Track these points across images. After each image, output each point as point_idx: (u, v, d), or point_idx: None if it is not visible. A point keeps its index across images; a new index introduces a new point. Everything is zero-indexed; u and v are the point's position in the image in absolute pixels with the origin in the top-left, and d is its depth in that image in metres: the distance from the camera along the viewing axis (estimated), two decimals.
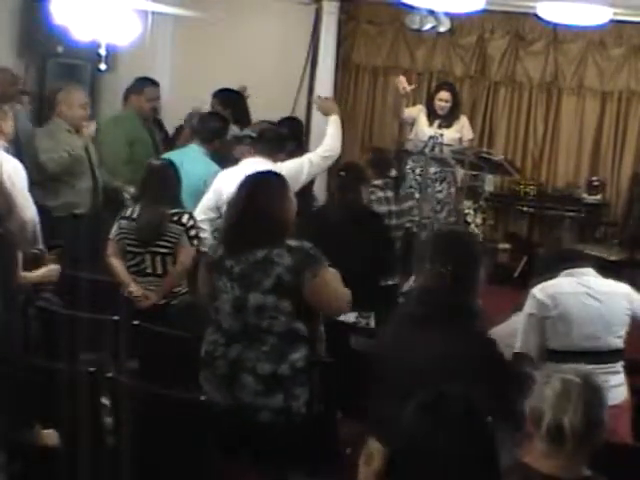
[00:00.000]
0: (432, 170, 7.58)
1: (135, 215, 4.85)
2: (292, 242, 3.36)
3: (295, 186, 4.32)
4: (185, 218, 4.80)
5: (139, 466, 3.27)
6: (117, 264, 4.87)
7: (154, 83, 6.75)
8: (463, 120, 7.81)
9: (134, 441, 3.29)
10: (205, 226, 5.07)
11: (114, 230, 4.91)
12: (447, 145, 7.51)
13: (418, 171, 7.61)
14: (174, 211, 4.80)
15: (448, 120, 7.63)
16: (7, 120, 5.09)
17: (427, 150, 7.58)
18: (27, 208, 4.92)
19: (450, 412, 2.12)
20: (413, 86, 7.74)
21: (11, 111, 5.19)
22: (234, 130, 6.75)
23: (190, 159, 5.54)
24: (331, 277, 3.42)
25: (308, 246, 3.36)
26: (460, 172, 7.59)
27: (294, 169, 4.97)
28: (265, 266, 3.32)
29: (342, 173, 5.53)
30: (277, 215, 3.40)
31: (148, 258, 4.83)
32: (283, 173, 3.83)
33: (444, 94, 7.67)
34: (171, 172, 4.96)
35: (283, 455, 3.37)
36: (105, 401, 3.49)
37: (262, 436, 3.33)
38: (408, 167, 7.65)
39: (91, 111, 6.29)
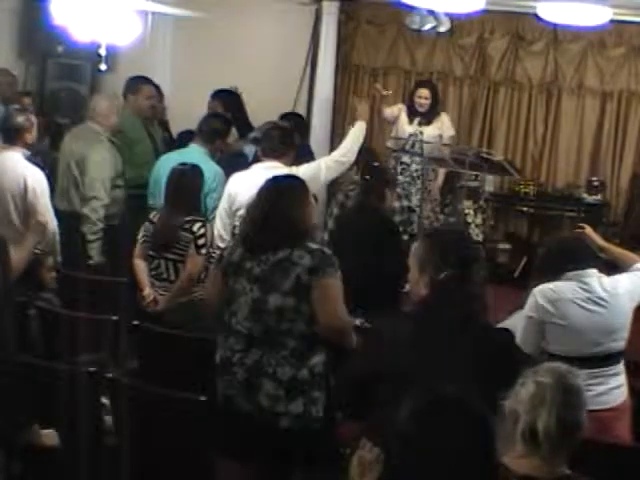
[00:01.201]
0: (413, 167, 7.66)
1: (156, 220, 4.87)
2: (313, 245, 3.39)
3: (313, 190, 4.32)
4: (196, 227, 4.79)
5: (139, 466, 3.28)
6: (139, 266, 4.91)
7: (148, 81, 6.74)
8: (443, 117, 7.91)
9: (134, 441, 3.29)
10: (224, 233, 4.98)
11: (141, 232, 4.96)
12: (427, 142, 7.59)
13: (399, 169, 7.74)
14: (188, 219, 4.80)
15: (428, 118, 7.74)
16: (32, 131, 5.12)
17: (407, 147, 7.69)
18: (49, 219, 4.96)
19: (445, 414, 2.11)
20: (390, 91, 7.95)
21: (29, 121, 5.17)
22: (233, 132, 6.75)
23: (191, 159, 5.53)
24: (339, 286, 3.41)
25: (328, 251, 3.40)
26: (441, 170, 7.67)
27: (310, 174, 4.86)
28: (285, 267, 3.32)
29: (367, 177, 5.52)
30: (299, 219, 3.43)
31: (162, 264, 4.86)
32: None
33: (423, 91, 7.79)
34: (192, 178, 4.96)
35: (301, 459, 3.38)
36: (105, 401, 3.49)
37: (283, 441, 3.33)
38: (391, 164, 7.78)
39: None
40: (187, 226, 4.79)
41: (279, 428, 3.32)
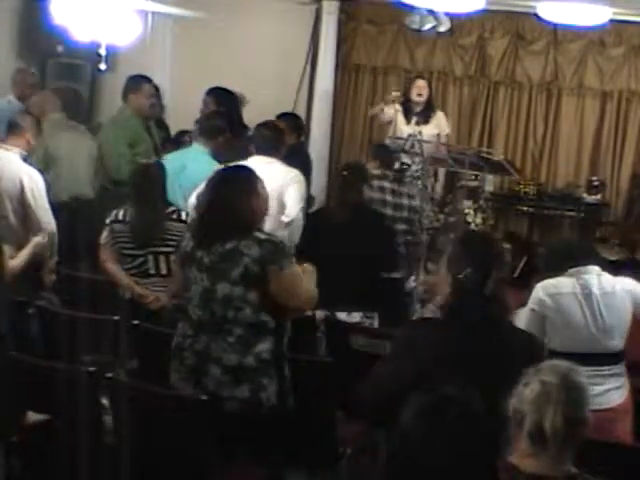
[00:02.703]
0: (414, 168, 7.67)
1: (128, 217, 4.81)
2: (262, 235, 3.43)
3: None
4: (183, 215, 4.78)
5: (139, 466, 3.27)
6: (114, 269, 4.81)
7: (148, 80, 6.74)
8: (439, 115, 7.93)
9: (134, 441, 3.29)
10: None
11: (105, 235, 4.82)
12: (426, 142, 7.57)
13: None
14: (171, 209, 4.79)
15: (425, 116, 7.76)
16: (34, 132, 5.13)
17: (407, 147, 7.67)
18: (47, 219, 4.97)
19: (448, 415, 2.11)
20: (398, 92, 7.94)
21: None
22: None
23: (193, 159, 5.53)
24: (296, 272, 3.47)
25: (277, 240, 3.47)
26: (442, 169, 7.67)
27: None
28: (234, 257, 3.38)
29: (344, 172, 5.53)
30: (244, 208, 3.46)
31: (151, 259, 4.79)
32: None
33: (420, 82, 7.84)
34: (158, 171, 4.93)
35: (251, 444, 3.40)
36: (105, 401, 3.49)
37: (228, 425, 3.35)
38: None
39: (90, 111, 6.30)
40: (174, 216, 4.76)
41: (227, 412, 3.37)
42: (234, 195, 3.49)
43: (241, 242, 3.38)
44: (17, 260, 4.46)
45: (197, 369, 3.44)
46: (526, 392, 2.32)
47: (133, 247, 4.78)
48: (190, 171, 5.14)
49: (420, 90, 7.75)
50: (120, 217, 4.80)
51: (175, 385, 3.49)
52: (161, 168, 4.98)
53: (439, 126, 7.79)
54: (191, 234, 3.58)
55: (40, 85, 7.25)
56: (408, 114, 7.78)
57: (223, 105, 6.80)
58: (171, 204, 4.87)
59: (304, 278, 3.52)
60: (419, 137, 7.65)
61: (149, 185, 4.83)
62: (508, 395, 2.35)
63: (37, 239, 4.69)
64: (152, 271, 4.79)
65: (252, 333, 3.41)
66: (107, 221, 4.82)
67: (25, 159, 5.08)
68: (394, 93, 7.86)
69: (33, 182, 4.99)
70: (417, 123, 7.74)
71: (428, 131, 7.69)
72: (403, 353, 2.93)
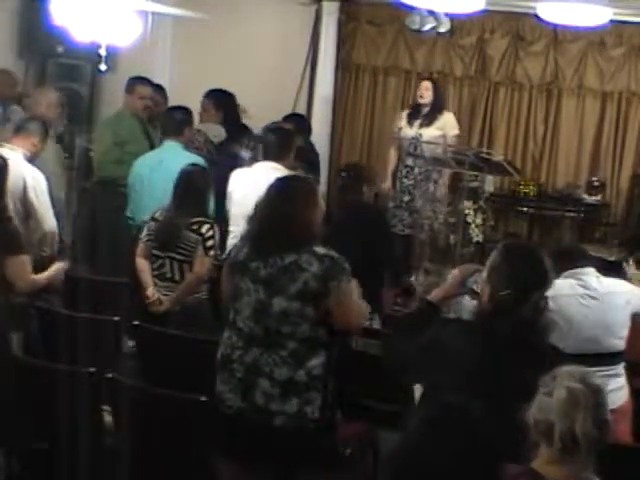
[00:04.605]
0: (417, 170, 7.67)
1: (161, 218, 4.86)
2: (320, 249, 3.35)
3: None
4: (205, 228, 4.78)
5: (139, 466, 3.28)
6: (142, 265, 4.89)
7: (145, 81, 6.75)
8: (447, 116, 7.86)
9: (134, 441, 3.29)
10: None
11: (144, 231, 4.94)
12: (427, 143, 7.58)
13: (404, 172, 7.78)
14: (195, 220, 4.78)
15: (429, 118, 7.71)
16: (41, 137, 5.17)
17: (410, 150, 7.71)
18: (48, 219, 4.98)
19: (450, 425, 2.10)
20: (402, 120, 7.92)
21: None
22: (218, 130, 6.74)
23: (171, 155, 5.57)
24: (353, 287, 3.42)
25: (336, 255, 3.37)
26: (446, 170, 7.66)
27: None
28: (293, 272, 3.30)
29: (344, 174, 5.54)
30: (306, 221, 3.39)
31: (167, 263, 4.84)
32: None
33: (425, 83, 7.81)
34: (200, 178, 4.95)
35: (295, 459, 3.37)
36: (105, 402, 3.49)
37: (276, 439, 3.32)
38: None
39: (90, 111, 6.31)
40: (195, 227, 4.77)
41: (273, 426, 3.32)
42: (297, 208, 3.40)
43: (301, 257, 3.31)
44: (40, 278, 4.44)
45: (246, 381, 3.35)
46: (552, 401, 2.31)
47: (157, 248, 4.84)
48: (169, 168, 5.20)
49: (422, 92, 7.72)
50: (157, 216, 4.87)
51: (222, 396, 3.39)
52: (205, 175, 5.00)
53: (444, 127, 7.71)
54: (247, 243, 3.49)
55: (20, 85, 7.25)
56: (412, 118, 7.77)
57: (222, 107, 6.83)
58: (207, 214, 4.88)
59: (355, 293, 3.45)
60: (420, 139, 7.66)
61: (185, 191, 4.86)
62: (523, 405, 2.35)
63: (61, 265, 4.64)
64: (169, 275, 4.84)
65: (306, 348, 3.34)
66: (150, 218, 4.94)
67: (30, 160, 5.10)
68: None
69: (36, 181, 5.01)
70: (420, 126, 7.71)
71: (429, 133, 7.65)
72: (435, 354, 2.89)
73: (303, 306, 3.31)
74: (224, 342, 3.46)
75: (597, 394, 2.35)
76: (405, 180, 7.73)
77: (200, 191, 4.92)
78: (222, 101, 6.92)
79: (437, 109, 7.78)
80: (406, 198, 7.72)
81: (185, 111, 6.03)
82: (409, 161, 7.75)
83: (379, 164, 8.42)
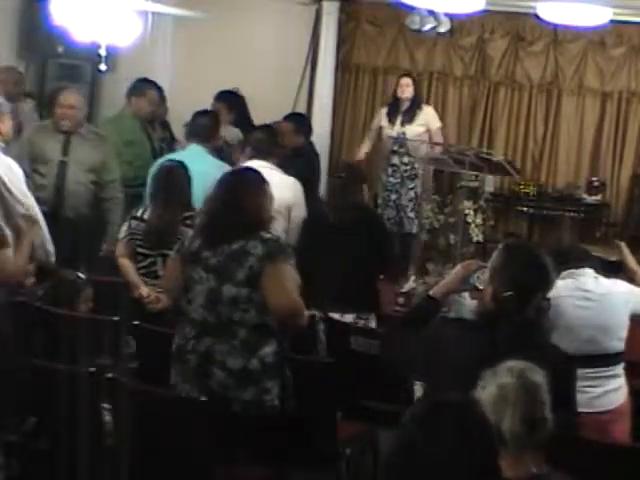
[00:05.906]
0: (402, 168, 7.67)
1: (146, 216, 4.82)
2: (266, 234, 3.46)
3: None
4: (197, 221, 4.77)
5: (139, 466, 3.28)
6: (127, 265, 4.86)
7: (153, 85, 6.74)
8: (427, 110, 7.90)
9: (134, 441, 3.29)
10: None
11: (124, 230, 4.90)
12: (410, 141, 7.60)
13: (389, 170, 7.80)
14: (187, 214, 4.78)
15: (409, 115, 7.72)
16: (5, 121, 5.01)
17: (395, 148, 7.72)
18: (29, 204, 4.83)
19: (443, 422, 2.09)
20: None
21: (9, 112, 5.08)
22: (235, 132, 6.76)
23: (197, 160, 5.48)
24: (289, 273, 3.46)
25: (281, 239, 3.55)
26: (431, 168, 7.67)
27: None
28: (240, 257, 3.39)
29: (342, 174, 5.54)
30: (253, 209, 3.49)
31: (159, 261, 4.80)
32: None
33: (405, 79, 7.80)
34: (183, 174, 4.94)
35: (260, 446, 3.40)
36: (105, 402, 3.49)
37: (236, 427, 3.36)
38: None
39: (90, 111, 6.29)
40: (189, 221, 4.76)
41: (232, 413, 3.38)
42: (242, 196, 3.51)
43: (248, 243, 3.40)
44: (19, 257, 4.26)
45: (200, 371, 3.43)
46: (484, 396, 2.29)
47: (145, 246, 4.81)
48: (198, 172, 5.10)
49: (402, 88, 7.72)
50: (139, 214, 4.85)
51: (177, 387, 3.47)
52: (185, 170, 4.98)
53: (426, 122, 7.74)
54: (198, 234, 3.58)
55: (24, 82, 7.24)
56: (393, 116, 7.76)
57: (235, 108, 6.84)
58: (193, 208, 4.85)
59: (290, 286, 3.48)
60: (403, 137, 7.68)
61: (171, 187, 4.84)
62: None
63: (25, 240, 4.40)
64: (160, 272, 4.80)
65: (256, 336, 3.41)
66: (128, 216, 4.89)
67: (3, 150, 4.89)
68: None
69: (8, 169, 4.62)
70: (402, 123, 7.72)
71: (413, 130, 7.68)
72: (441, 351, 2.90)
73: (251, 291, 3.38)
74: (178, 333, 3.55)
75: (532, 391, 2.31)
76: (391, 179, 7.76)
77: (184, 186, 4.91)
78: (233, 103, 6.93)
79: (417, 104, 7.79)
80: (393, 197, 7.76)
81: (214, 117, 6.02)
82: (394, 159, 7.76)
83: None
